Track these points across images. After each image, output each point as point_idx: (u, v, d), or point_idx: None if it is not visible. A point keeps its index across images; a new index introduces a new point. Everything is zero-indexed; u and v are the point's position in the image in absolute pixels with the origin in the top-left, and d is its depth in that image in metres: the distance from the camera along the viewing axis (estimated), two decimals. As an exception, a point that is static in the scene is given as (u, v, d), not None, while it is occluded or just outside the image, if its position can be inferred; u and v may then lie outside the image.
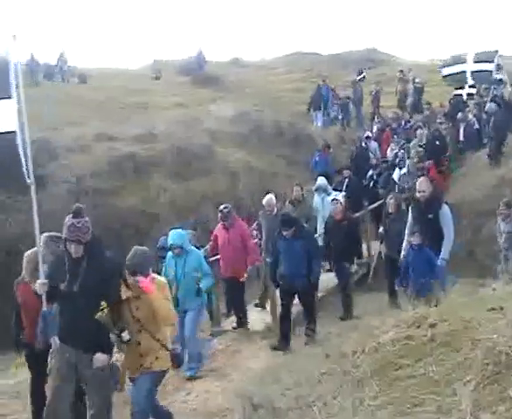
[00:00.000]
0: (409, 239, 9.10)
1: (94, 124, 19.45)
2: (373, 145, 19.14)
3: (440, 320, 4.79)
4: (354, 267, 11.14)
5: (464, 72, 20.96)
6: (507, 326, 4.00)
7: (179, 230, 8.79)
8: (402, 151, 17.17)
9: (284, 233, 9.23)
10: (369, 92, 26.27)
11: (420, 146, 17.07)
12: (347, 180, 15.27)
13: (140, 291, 5.71)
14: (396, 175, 15.86)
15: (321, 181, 14.08)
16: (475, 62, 20.80)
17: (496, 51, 21.01)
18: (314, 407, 4.45)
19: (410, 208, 9.55)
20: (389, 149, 18.38)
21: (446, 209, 9.01)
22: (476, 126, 18.86)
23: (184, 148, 17.72)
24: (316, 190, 13.98)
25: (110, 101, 25.04)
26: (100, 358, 5.51)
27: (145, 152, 17.29)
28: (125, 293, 5.74)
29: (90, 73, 30.85)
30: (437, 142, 17.38)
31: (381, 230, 11.54)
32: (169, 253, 8.71)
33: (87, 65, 33.48)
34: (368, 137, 19.46)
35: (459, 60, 21.73)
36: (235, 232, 10.25)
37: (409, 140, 18.38)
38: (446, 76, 22.26)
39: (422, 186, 9.06)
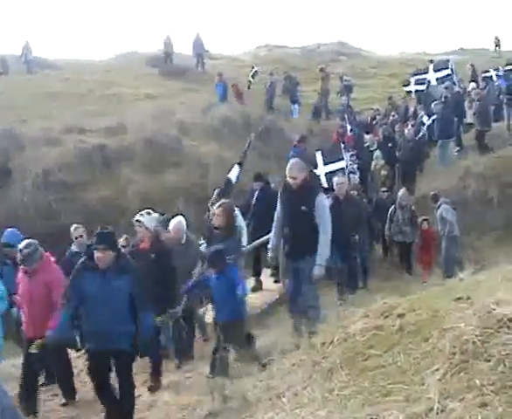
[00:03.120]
0: (201, 270, 7.57)
1: (63, 116, 19.23)
2: None
3: (409, 310, 4.84)
4: (160, 318, 7.53)
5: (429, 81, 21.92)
6: (473, 316, 4.05)
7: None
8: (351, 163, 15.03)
9: (97, 255, 5.90)
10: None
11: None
12: (257, 192, 11.83)
13: None
14: None
15: None
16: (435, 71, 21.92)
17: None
18: (284, 397, 4.48)
19: (279, 195, 7.72)
20: None
21: (322, 198, 7.46)
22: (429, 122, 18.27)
23: (155, 141, 17.60)
24: None
25: (79, 93, 24.72)
26: None
27: (115, 144, 17.14)
28: None
29: (56, 64, 30.47)
30: (389, 145, 16.70)
31: (203, 246, 8.96)
32: None
33: (52, 55, 33.07)
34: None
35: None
36: (39, 281, 7.04)
37: (358, 148, 16.69)
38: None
39: (293, 171, 7.40)
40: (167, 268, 7.82)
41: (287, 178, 7.42)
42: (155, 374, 7.60)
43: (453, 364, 3.74)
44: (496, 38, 37.71)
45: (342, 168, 13.80)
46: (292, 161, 7.60)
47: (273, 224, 7.65)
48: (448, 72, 21.97)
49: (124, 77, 29.21)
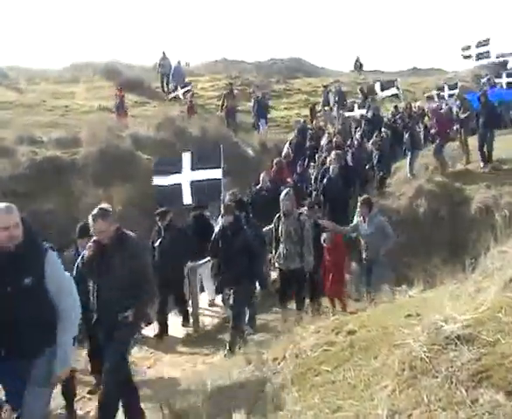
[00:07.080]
0: None
1: (14, 126, 18.89)
2: None
3: (359, 327, 4.90)
4: None
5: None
6: (422, 332, 4.12)
7: None
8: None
9: None
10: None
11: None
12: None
13: None
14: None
15: None
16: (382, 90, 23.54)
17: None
18: (235, 413, 4.47)
19: None
20: None
21: (53, 259, 4.87)
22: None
23: (108, 153, 17.40)
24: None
25: (31, 103, 24.33)
26: None
27: (67, 156, 16.92)
28: None
29: (8, 73, 29.90)
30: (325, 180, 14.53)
31: None
32: None
33: (4, 63, 32.45)
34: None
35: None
36: None
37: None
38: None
39: (5, 218, 4.79)
40: None
41: None
42: None
43: (402, 380, 3.80)
44: (357, 59, 38.84)
45: (219, 179, 11.46)
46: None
47: None
48: (395, 91, 22.77)
49: (78, 88, 28.86)
